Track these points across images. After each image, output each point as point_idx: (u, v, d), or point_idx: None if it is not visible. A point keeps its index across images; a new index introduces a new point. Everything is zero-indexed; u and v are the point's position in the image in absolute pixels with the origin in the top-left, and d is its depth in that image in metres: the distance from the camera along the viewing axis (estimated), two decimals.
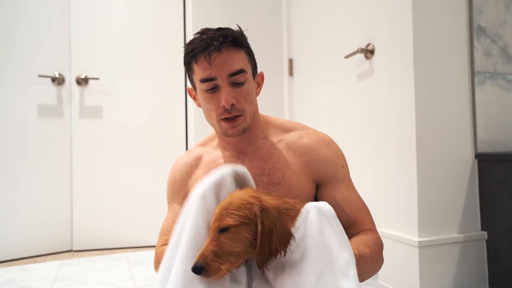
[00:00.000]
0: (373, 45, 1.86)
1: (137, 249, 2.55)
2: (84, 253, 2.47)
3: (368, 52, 1.87)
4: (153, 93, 2.66)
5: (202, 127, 2.54)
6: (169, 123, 2.68)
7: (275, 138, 1.02)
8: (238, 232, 0.70)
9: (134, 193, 2.60)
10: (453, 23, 1.65)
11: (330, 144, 1.01)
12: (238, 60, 0.91)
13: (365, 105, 1.93)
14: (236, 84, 0.92)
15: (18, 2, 2.36)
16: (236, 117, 0.93)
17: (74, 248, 2.51)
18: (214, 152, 1.05)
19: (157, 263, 0.97)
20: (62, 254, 2.44)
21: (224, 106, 0.91)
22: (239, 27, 0.95)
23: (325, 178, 0.99)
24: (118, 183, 2.58)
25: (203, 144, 1.10)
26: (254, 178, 0.95)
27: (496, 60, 1.71)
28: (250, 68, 0.96)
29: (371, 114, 1.87)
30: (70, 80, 2.54)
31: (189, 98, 2.65)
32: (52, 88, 2.49)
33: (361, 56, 1.93)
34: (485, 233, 1.65)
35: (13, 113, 2.36)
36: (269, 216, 0.70)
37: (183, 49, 0.96)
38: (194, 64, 0.93)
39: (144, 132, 2.63)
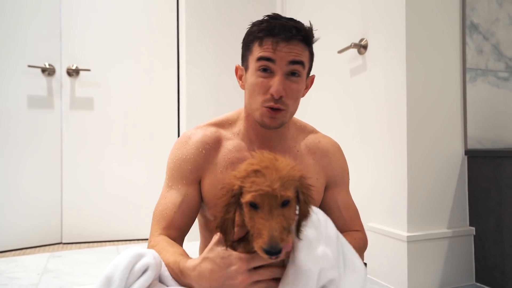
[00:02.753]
0: (366, 40, 1.85)
1: (127, 242, 2.54)
2: (73, 245, 2.46)
3: (361, 47, 1.87)
4: (145, 85, 2.63)
5: (194, 120, 2.53)
6: (161, 116, 2.66)
7: (298, 139, 1.03)
8: (294, 204, 0.69)
9: (124, 186, 2.59)
10: (446, 19, 1.65)
11: (341, 150, 1.07)
12: (301, 55, 0.90)
13: (357, 100, 1.93)
14: (291, 76, 0.90)
15: None
16: (279, 109, 0.91)
17: (64, 241, 2.50)
18: (236, 140, 0.99)
19: None
20: (51, 247, 2.43)
21: (272, 94, 0.88)
22: (310, 24, 0.95)
23: (334, 182, 1.03)
24: (108, 176, 2.57)
25: (219, 125, 1.02)
26: None
27: (487, 57, 1.72)
28: (307, 68, 0.95)
29: (363, 109, 1.88)
30: (61, 71, 2.51)
31: (181, 90, 2.63)
32: (42, 79, 2.46)
33: (354, 51, 1.93)
34: (473, 228, 1.66)
35: (1, 103, 2.33)
36: (304, 184, 0.71)
37: (247, 27, 0.94)
38: (256, 45, 0.91)
39: (135, 125, 2.61)
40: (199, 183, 0.98)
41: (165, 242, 0.89)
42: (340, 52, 1.97)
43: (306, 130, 1.06)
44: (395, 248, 1.61)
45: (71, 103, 2.52)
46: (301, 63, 0.90)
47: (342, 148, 1.10)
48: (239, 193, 0.69)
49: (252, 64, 0.91)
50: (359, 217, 1.06)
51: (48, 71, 2.46)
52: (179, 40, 2.67)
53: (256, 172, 0.68)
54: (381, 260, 1.69)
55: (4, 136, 2.33)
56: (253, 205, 0.67)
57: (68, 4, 2.50)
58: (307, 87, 1.02)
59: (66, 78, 2.51)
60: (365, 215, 1.80)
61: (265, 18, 0.92)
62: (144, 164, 2.60)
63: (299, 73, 0.91)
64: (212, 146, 0.97)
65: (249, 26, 0.94)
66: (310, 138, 1.04)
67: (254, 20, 0.97)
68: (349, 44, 1.89)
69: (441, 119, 1.65)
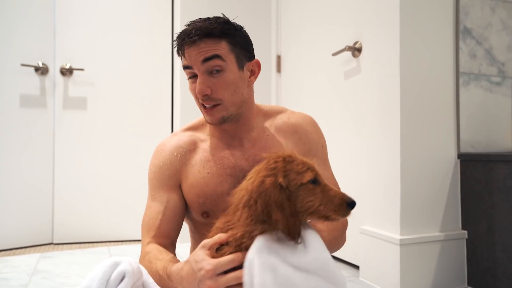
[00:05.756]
0: (360, 43, 1.86)
1: (119, 243, 2.52)
2: (65, 246, 2.43)
3: (356, 50, 1.87)
4: (139, 85, 2.62)
5: (188, 120, 2.51)
6: (154, 116, 2.65)
7: (266, 124, 1.03)
8: None
9: (117, 186, 2.57)
10: (440, 24, 1.66)
11: (314, 123, 1.06)
12: (214, 49, 0.91)
13: (351, 102, 1.94)
14: (213, 73, 0.91)
15: None
16: (214, 106, 0.93)
17: (55, 241, 2.47)
18: (209, 140, 1.02)
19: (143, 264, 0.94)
20: (42, 247, 2.40)
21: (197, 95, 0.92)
22: (223, 16, 0.97)
23: (308, 156, 1.01)
24: (101, 176, 2.55)
25: (193, 129, 1.06)
26: (253, 166, 0.96)
27: (480, 61, 1.73)
28: (234, 58, 0.94)
29: (356, 112, 1.88)
30: (54, 70, 2.49)
31: (175, 91, 2.62)
32: (35, 78, 2.44)
33: (348, 54, 1.93)
34: (465, 232, 1.67)
35: None
36: None
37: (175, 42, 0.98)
38: (179, 55, 0.96)
39: (128, 125, 2.60)
40: (179, 187, 1.00)
41: (156, 251, 0.91)
42: (334, 54, 1.97)
43: (274, 112, 1.06)
44: (388, 251, 1.61)
45: (64, 102, 2.50)
46: (214, 57, 0.90)
47: (328, 145, 1.07)
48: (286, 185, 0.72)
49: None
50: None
51: (41, 70, 2.45)
52: (173, 40, 2.66)
53: (290, 157, 0.75)
54: (373, 263, 1.69)
55: None
56: (314, 181, 0.73)
57: (62, 3, 2.48)
58: (254, 73, 1.01)
59: (59, 78, 2.49)
60: (358, 217, 1.80)
61: (182, 29, 0.96)
62: (137, 164, 2.58)
63: (220, 67, 0.91)
64: (187, 149, 1.01)
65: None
66: (279, 118, 1.04)
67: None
68: (343, 47, 1.90)
69: (434, 122, 1.65)
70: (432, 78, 1.65)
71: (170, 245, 0.97)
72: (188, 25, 0.94)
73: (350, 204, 0.73)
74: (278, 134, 1.01)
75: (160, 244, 0.95)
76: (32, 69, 2.42)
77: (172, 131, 2.67)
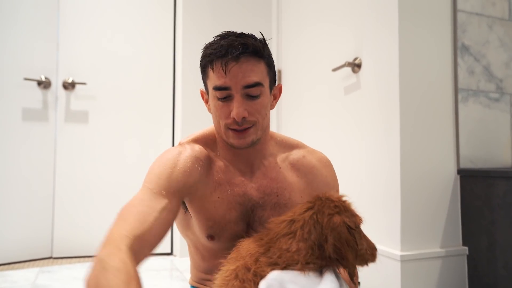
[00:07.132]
0: (360, 59, 1.88)
1: None
2: (64, 260, 2.42)
3: (355, 66, 1.89)
4: (141, 100, 2.64)
5: (190, 133, 2.52)
6: (156, 130, 2.66)
7: (279, 156, 0.99)
8: None
9: (118, 200, 2.55)
10: (438, 41, 1.69)
11: (329, 166, 1.01)
12: (256, 72, 0.86)
13: (351, 118, 1.95)
14: (251, 97, 0.87)
15: (4, 2, 2.34)
16: (246, 128, 0.88)
17: (54, 255, 2.46)
18: (219, 161, 0.95)
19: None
20: (41, 261, 2.39)
21: (234, 118, 0.86)
22: (262, 34, 0.92)
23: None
24: (101, 190, 2.55)
25: (203, 143, 0.97)
26: (263, 198, 0.93)
27: (479, 78, 1.75)
28: (268, 81, 0.91)
29: (356, 127, 1.89)
30: (57, 84, 2.51)
31: (177, 107, 2.64)
32: (37, 91, 2.46)
33: (348, 69, 1.95)
34: (466, 248, 1.66)
35: None
36: None
37: (200, 50, 0.91)
38: (209, 69, 0.88)
39: (130, 139, 2.61)
40: (182, 199, 0.90)
41: (124, 275, 0.66)
42: (334, 70, 1.99)
43: (290, 145, 1.01)
44: (389, 267, 1.60)
45: (66, 116, 2.52)
46: (256, 84, 0.87)
47: (333, 165, 1.05)
48: None
49: (211, 90, 0.90)
50: None
51: (44, 84, 2.47)
52: (175, 54, 2.69)
53: (343, 197, 0.81)
54: (374, 279, 1.68)
55: None
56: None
57: (66, 16, 2.52)
58: (276, 98, 0.98)
59: (61, 91, 2.51)
60: None
61: (215, 39, 0.89)
62: (138, 177, 2.58)
63: (260, 92, 0.88)
64: (205, 163, 0.93)
65: (202, 49, 0.91)
66: (295, 154, 0.99)
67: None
68: (343, 63, 1.92)
69: (434, 138, 1.66)
70: (431, 94, 1.66)
71: (143, 260, 0.78)
72: (223, 38, 0.87)
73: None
74: (291, 170, 0.97)
75: (137, 253, 0.74)
76: (35, 83, 2.44)
77: (173, 144, 2.68)
